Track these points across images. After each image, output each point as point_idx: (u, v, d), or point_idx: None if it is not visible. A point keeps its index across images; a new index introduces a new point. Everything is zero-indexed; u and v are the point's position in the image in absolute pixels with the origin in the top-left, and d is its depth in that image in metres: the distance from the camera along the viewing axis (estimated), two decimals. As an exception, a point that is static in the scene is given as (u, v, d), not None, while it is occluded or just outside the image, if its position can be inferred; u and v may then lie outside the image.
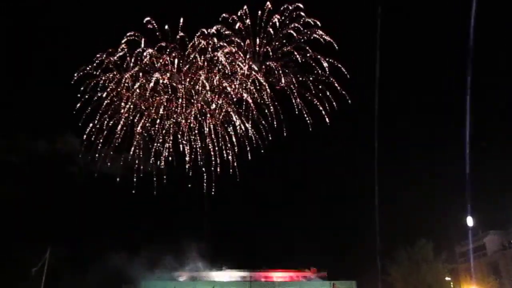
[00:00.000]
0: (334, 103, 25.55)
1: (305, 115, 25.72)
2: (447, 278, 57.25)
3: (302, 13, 23.77)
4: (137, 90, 23.85)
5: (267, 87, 24.85)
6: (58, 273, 43.94)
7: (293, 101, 25.62)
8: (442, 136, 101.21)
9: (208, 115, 25.15)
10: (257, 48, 23.84)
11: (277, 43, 23.96)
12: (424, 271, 58.30)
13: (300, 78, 25.19)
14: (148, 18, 23.22)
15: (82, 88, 23.50)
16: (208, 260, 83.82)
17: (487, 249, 63.76)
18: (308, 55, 23.95)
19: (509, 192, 55.26)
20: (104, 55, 23.13)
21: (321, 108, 25.70)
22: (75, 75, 23.16)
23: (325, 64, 24.17)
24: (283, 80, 24.41)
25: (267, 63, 24.44)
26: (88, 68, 23.28)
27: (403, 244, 61.68)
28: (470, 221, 39.16)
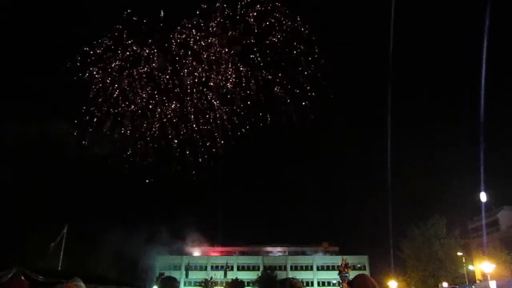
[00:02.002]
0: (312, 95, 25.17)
1: (288, 101, 25.49)
2: (459, 253, 57.39)
3: (279, 5, 23.32)
4: (125, 81, 24.06)
5: (249, 75, 24.68)
6: (74, 248, 45.04)
7: (277, 90, 25.40)
8: (456, 112, 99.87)
9: (190, 104, 25.24)
10: (236, 37, 23.72)
11: (259, 34, 23.70)
12: (436, 247, 58.44)
13: (280, 74, 24.90)
14: (129, 11, 23.24)
15: (69, 78, 23.76)
16: (221, 235, 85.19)
17: (500, 225, 63.50)
18: (284, 40, 23.58)
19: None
20: (88, 48, 23.29)
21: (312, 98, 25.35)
22: (64, 67, 23.41)
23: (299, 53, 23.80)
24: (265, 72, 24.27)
25: (250, 55, 24.28)
26: (73, 61, 23.54)
27: (415, 220, 61.84)
28: (483, 197, 39.00)
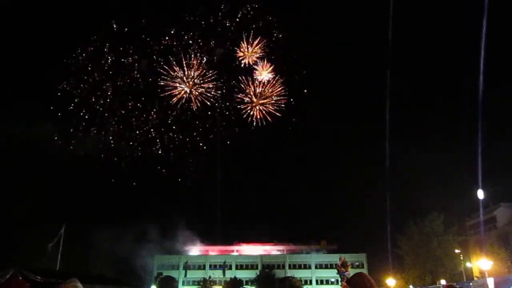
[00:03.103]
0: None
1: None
2: (456, 251, 57.51)
3: (261, 12, 23.35)
4: (108, 90, 23.99)
5: (233, 83, 24.73)
6: (72, 248, 44.97)
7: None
8: (454, 110, 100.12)
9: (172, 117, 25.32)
10: (217, 45, 23.76)
11: (240, 41, 23.75)
12: (434, 244, 58.54)
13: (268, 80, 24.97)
14: (110, 22, 23.13)
15: (54, 87, 23.69)
16: (220, 235, 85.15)
17: (497, 222, 63.64)
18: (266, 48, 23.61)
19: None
20: (73, 58, 23.16)
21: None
22: (44, 77, 23.51)
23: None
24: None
25: (232, 63, 24.33)
26: (56, 72, 23.51)
27: (413, 217, 61.91)
28: (481, 194, 38.93)
